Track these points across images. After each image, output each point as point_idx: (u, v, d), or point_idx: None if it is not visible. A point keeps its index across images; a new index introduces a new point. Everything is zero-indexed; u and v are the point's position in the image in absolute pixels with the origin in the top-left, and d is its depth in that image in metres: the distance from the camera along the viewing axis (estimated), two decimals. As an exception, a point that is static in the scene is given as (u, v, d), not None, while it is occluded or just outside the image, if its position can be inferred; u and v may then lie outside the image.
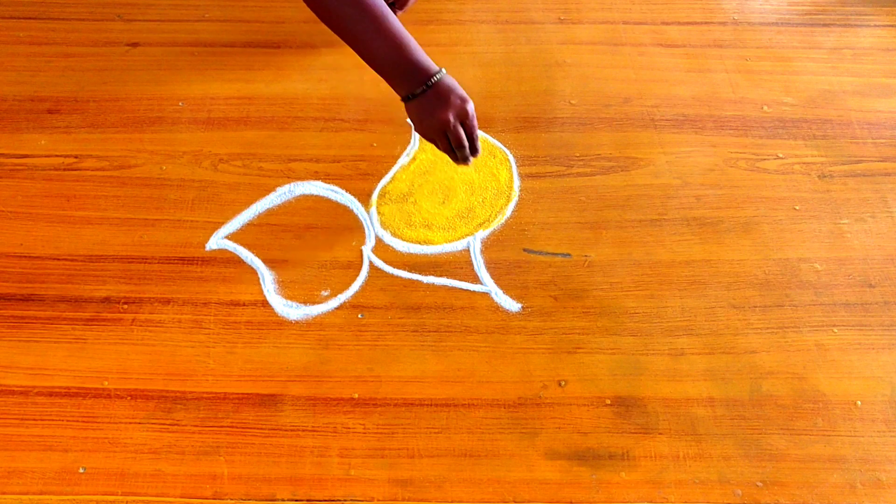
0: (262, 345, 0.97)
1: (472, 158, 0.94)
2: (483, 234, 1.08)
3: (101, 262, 1.04)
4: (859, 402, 0.94)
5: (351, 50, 1.28)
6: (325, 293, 1.02)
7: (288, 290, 1.02)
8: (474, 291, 1.02)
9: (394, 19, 0.83)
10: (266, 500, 0.87)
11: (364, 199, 1.11)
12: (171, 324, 0.99)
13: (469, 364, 0.96)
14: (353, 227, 1.08)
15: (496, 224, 1.09)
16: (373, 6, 0.81)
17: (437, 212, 1.10)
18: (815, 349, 0.98)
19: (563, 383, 0.95)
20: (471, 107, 0.90)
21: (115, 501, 0.86)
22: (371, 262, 1.05)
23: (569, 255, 1.06)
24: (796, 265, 1.05)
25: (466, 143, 0.92)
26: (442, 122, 0.89)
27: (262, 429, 0.91)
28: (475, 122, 0.91)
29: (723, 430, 0.92)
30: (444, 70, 0.88)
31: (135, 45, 1.28)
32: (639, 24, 1.34)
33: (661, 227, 1.08)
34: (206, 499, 0.87)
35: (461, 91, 0.89)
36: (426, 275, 1.04)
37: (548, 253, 1.06)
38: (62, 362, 0.96)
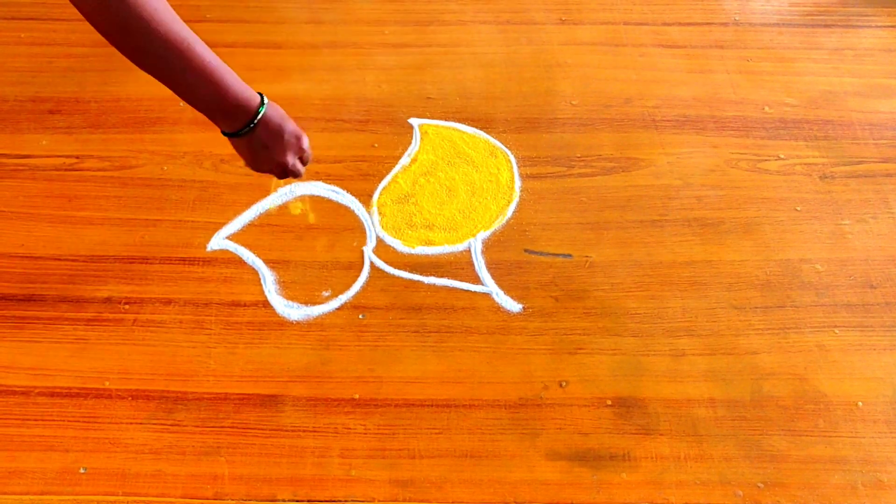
0: (263, 345, 0.97)
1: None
2: (484, 234, 1.08)
3: (102, 262, 1.04)
4: (860, 403, 0.94)
5: (352, 50, 1.29)
6: (326, 294, 1.02)
7: (289, 290, 1.02)
8: (475, 292, 1.02)
9: (205, 50, 0.74)
10: (267, 500, 0.87)
11: (365, 199, 1.11)
12: (172, 324, 0.99)
13: (470, 365, 0.96)
14: (354, 228, 1.08)
15: (497, 225, 1.09)
16: (178, 39, 0.71)
17: (438, 212, 1.10)
18: (816, 350, 0.98)
19: (563, 384, 0.95)
20: (305, 142, 0.86)
21: (115, 502, 0.86)
22: (372, 263, 1.05)
23: (570, 255, 1.06)
24: (798, 266, 1.05)
25: (302, 174, 0.90)
26: (280, 164, 0.85)
27: (263, 429, 0.91)
28: (310, 154, 0.89)
29: (724, 430, 0.91)
30: (266, 99, 0.80)
31: (136, 45, 1.28)
32: (640, 24, 1.34)
33: (662, 227, 1.08)
34: (207, 499, 0.87)
35: (293, 126, 0.84)
36: (427, 275, 1.04)
37: (549, 253, 1.06)
38: (63, 362, 0.96)
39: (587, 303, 1.01)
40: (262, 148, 0.82)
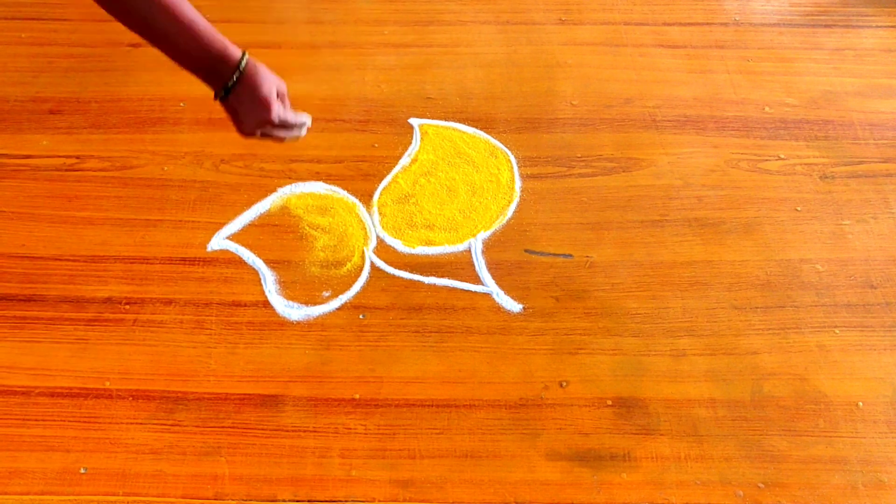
0: (263, 345, 0.97)
1: (302, 132, 0.88)
2: (484, 234, 1.08)
3: (102, 262, 1.04)
4: (861, 404, 0.93)
5: (352, 51, 1.29)
6: (326, 294, 1.02)
7: (289, 290, 1.02)
8: (476, 292, 1.02)
9: (188, 7, 0.76)
10: (267, 500, 0.87)
11: (365, 199, 1.11)
12: (172, 324, 0.99)
13: (470, 365, 0.96)
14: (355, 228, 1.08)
15: (497, 225, 1.09)
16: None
17: (439, 212, 1.10)
18: (816, 350, 0.98)
19: (564, 384, 0.95)
20: (283, 87, 0.84)
21: (116, 502, 0.86)
22: (372, 263, 1.05)
23: (570, 255, 1.06)
24: (798, 266, 1.05)
25: (297, 121, 0.86)
26: (265, 119, 0.82)
27: (263, 429, 0.91)
28: (286, 104, 0.85)
29: (724, 431, 0.91)
30: (247, 54, 0.80)
31: (137, 45, 1.28)
32: (640, 24, 1.34)
33: (662, 227, 1.08)
34: (208, 499, 0.87)
35: (271, 74, 0.82)
36: (428, 275, 1.04)
37: (549, 254, 1.06)
38: (64, 363, 0.96)
39: (588, 303, 1.01)
40: (249, 103, 0.81)
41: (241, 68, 0.79)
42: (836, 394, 0.94)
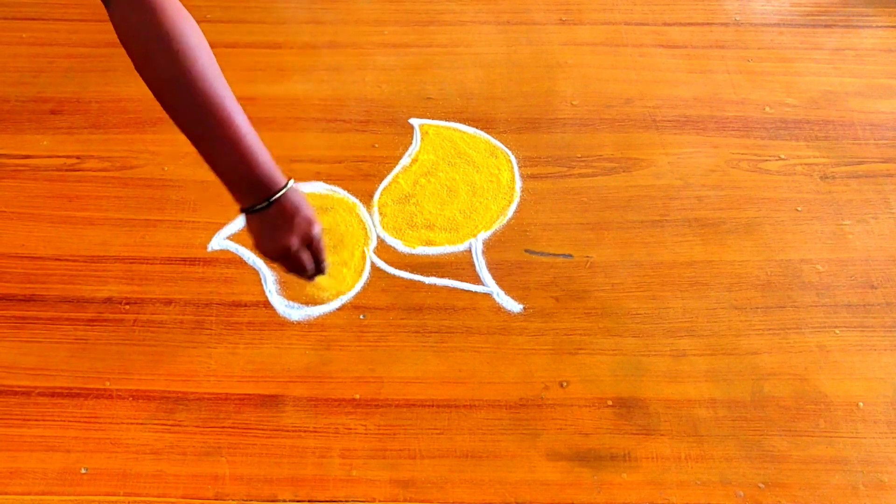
0: (263, 345, 0.97)
1: (318, 277, 0.88)
2: (485, 234, 1.08)
3: (102, 262, 1.04)
4: (861, 404, 0.93)
5: (352, 51, 1.29)
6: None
7: (290, 290, 1.02)
8: (476, 292, 1.02)
9: (242, 121, 0.74)
10: (268, 500, 0.87)
11: (366, 199, 1.11)
12: (172, 324, 0.99)
13: (471, 365, 0.96)
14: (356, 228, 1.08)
15: (498, 225, 1.09)
16: (217, 107, 0.72)
17: (439, 212, 1.10)
18: (816, 350, 0.98)
19: (564, 384, 0.95)
20: (317, 230, 0.81)
21: (116, 502, 0.86)
22: (373, 263, 1.05)
23: (570, 255, 1.06)
24: (798, 266, 1.05)
25: (310, 268, 0.84)
26: (283, 247, 0.80)
27: (263, 429, 0.91)
28: (321, 245, 0.83)
29: (724, 431, 0.91)
30: (292, 182, 0.77)
31: (137, 45, 1.28)
32: (640, 24, 1.34)
33: (662, 227, 1.08)
34: (208, 499, 0.87)
35: (308, 211, 0.80)
36: (428, 275, 1.04)
37: (549, 254, 1.06)
38: (64, 363, 0.96)
39: (588, 303, 1.01)
40: (271, 228, 0.79)
41: (274, 197, 0.76)
42: (837, 394, 0.94)
